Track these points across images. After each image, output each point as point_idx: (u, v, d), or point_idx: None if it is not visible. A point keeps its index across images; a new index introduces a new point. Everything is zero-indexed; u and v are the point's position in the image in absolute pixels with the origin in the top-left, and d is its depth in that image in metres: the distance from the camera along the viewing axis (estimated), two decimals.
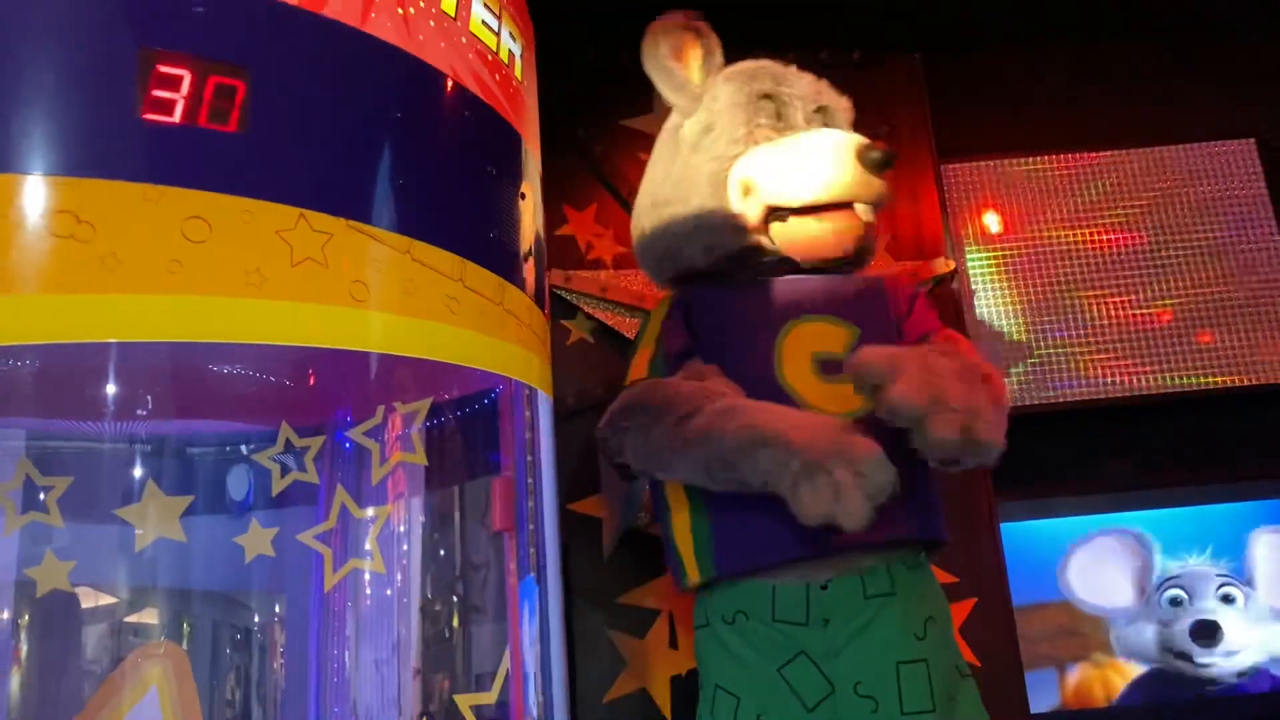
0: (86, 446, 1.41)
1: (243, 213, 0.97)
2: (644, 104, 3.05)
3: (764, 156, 2.00)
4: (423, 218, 1.12)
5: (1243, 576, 2.53)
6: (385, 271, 1.05)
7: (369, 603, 1.61)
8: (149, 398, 1.30)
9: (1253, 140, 3.20)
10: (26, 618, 1.41)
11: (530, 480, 1.43)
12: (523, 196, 1.31)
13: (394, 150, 1.12)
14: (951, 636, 2.00)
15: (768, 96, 2.07)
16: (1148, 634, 2.41)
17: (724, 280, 2.01)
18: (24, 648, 1.41)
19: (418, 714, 1.47)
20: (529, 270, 1.32)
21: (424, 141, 1.16)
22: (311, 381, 1.53)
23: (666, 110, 3.00)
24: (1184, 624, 2.39)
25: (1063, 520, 2.92)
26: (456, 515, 1.59)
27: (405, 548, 1.62)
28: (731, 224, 1.96)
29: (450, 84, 1.19)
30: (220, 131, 0.98)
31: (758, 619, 1.93)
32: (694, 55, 2.11)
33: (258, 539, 1.48)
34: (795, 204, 1.96)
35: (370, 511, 1.63)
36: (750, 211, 1.97)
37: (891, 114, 2.97)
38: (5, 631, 1.40)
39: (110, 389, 1.17)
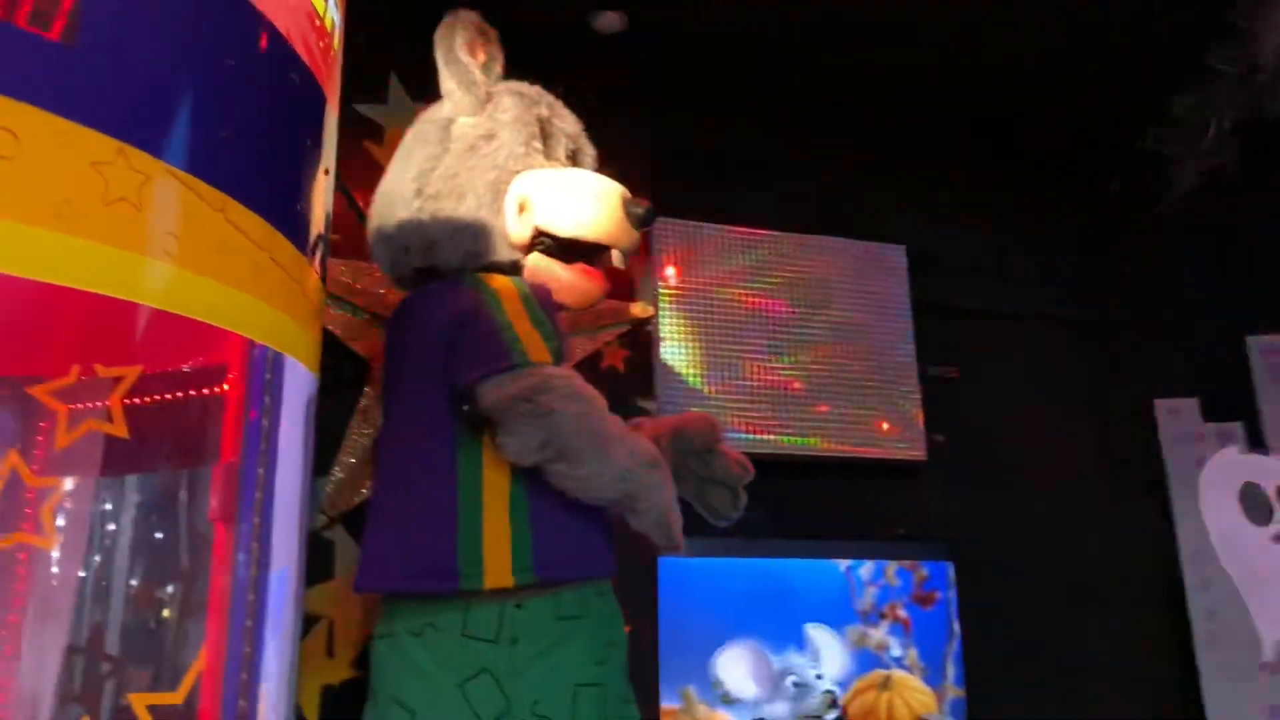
0: None
1: (58, 134, 0.86)
2: (380, 91, 2.98)
3: (544, 180, 2.06)
4: (241, 177, 1.04)
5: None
6: (198, 228, 0.96)
7: (34, 582, 1.42)
8: None
9: (904, 247, 3.70)
10: None
11: (261, 470, 1.35)
12: (326, 172, 1.25)
13: (223, 99, 1.03)
14: (624, 664, 2.12)
15: (544, 123, 2.14)
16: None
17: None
18: None
19: (83, 708, 1.32)
20: (319, 245, 1.26)
21: (253, 96, 1.08)
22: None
23: (409, 104, 2.96)
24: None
25: (707, 561, 3.19)
26: (159, 498, 1.45)
27: (90, 527, 1.45)
28: (502, 236, 2.00)
29: (285, 43, 1.12)
30: (42, 37, 0.86)
31: (447, 633, 1.94)
32: (481, 55, 2.13)
33: None
34: (562, 233, 2.04)
35: (50, 482, 1.44)
36: (520, 229, 2.02)
37: (614, 161, 3.11)
38: None
39: None
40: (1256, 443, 3.81)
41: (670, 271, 3.36)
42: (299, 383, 1.23)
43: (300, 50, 1.15)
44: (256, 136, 1.09)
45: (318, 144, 1.22)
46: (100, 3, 0.89)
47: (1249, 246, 4.03)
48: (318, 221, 1.23)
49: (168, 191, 0.93)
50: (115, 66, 0.91)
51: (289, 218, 1.13)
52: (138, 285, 0.92)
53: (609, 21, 3.13)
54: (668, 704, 2.94)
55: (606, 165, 2.97)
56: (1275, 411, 3.84)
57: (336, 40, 1.33)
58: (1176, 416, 3.86)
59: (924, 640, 3.29)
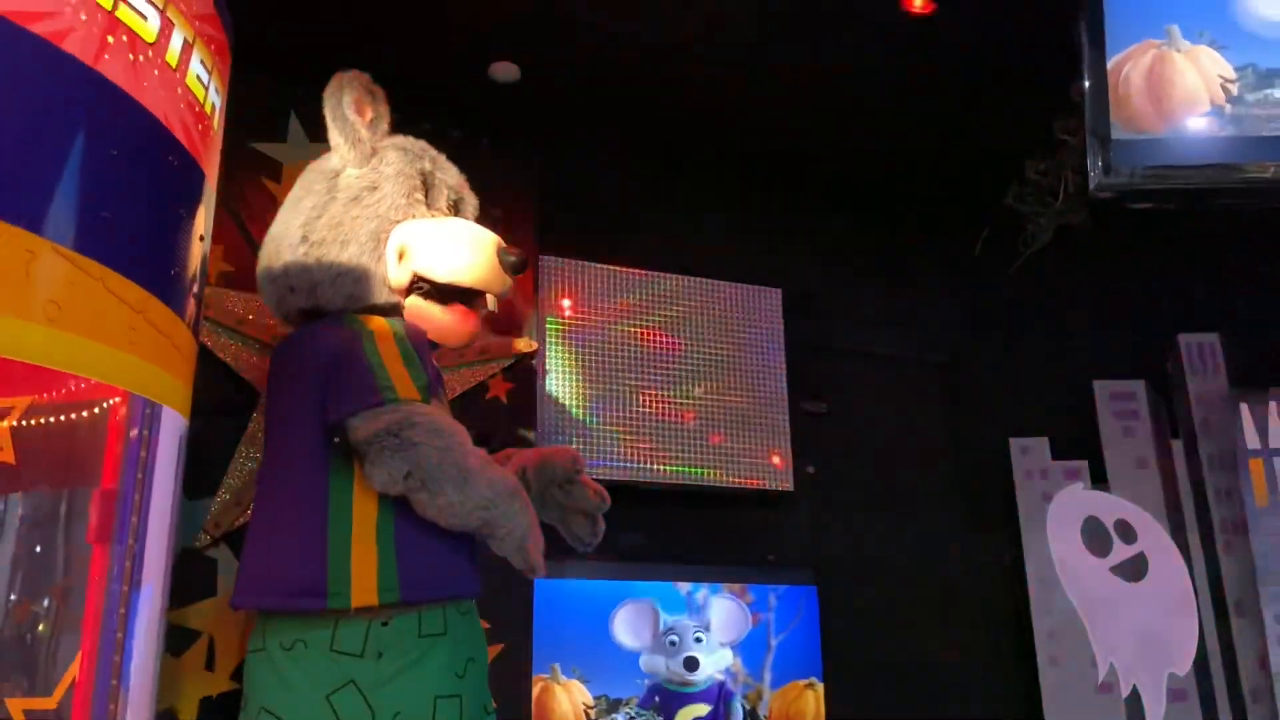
0: None
1: None
2: (279, 130, 3.13)
3: (422, 229, 2.24)
4: (120, 250, 1.21)
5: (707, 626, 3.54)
6: (79, 296, 1.14)
7: None
8: None
9: (780, 290, 3.98)
10: None
11: (137, 496, 1.51)
12: (202, 239, 1.42)
13: (106, 182, 1.21)
14: (485, 677, 2.30)
15: (426, 176, 2.32)
16: (658, 662, 3.49)
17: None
18: None
19: None
20: (191, 302, 1.43)
21: (134, 179, 1.25)
22: None
23: (307, 144, 3.12)
24: (678, 658, 3.49)
25: (583, 582, 3.40)
26: (44, 520, 1.59)
27: None
28: (382, 281, 2.17)
29: (165, 129, 1.30)
30: None
31: (316, 648, 2.09)
32: (369, 114, 2.29)
33: None
34: (438, 278, 2.23)
35: None
36: (399, 275, 2.19)
37: (505, 201, 3.32)
38: None
39: None
40: (1099, 479, 4.15)
41: (557, 307, 3.57)
42: (171, 426, 1.40)
43: (180, 134, 1.33)
44: (136, 213, 1.26)
45: (193, 215, 1.40)
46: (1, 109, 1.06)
47: (1096, 298, 4.39)
48: (191, 282, 1.40)
49: (52, 265, 1.10)
50: (10, 164, 1.08)
51: (164, 283, 1.30)
52: (21, 347, 1.09)
53: (504, 71, 3.34)
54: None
55: (498, 205, 3.18)
56: (1117, 451, 4.18)
57: (217, 121, 1.51)
58: (1027, 454, 4.18)
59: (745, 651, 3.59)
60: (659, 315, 3.76)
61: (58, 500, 1.52)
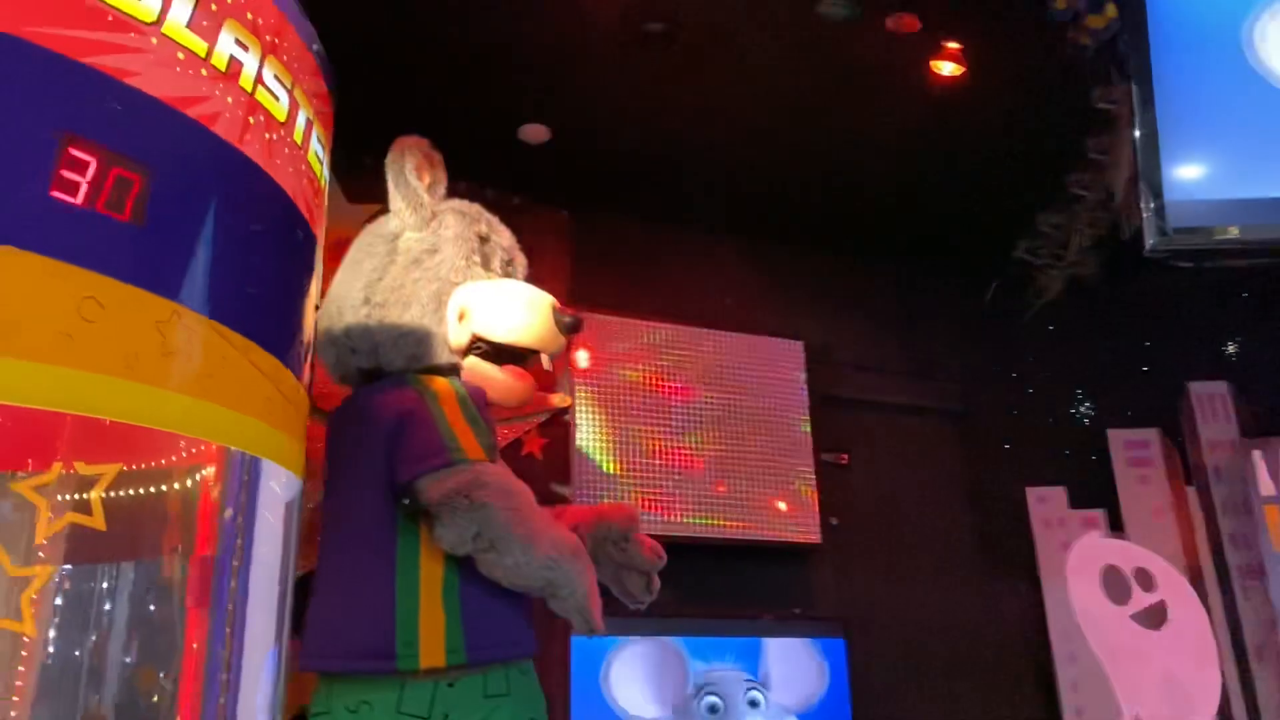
0: None
1: (129, 299, 1.07)
2: None
3: (482, 291, 2.29)
4: (261, 323, 1.26)
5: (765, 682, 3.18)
6: (229, 370, 1.18)
7: (20, 667, 1.55)
8: None
9: (801, 342, 4.05)
10: None
11: (236, 562, 1.53)
12: (317, 307, 1.46)
13: (250, 259, 1.26)
14: None
15: (483, 239, 2.37)
16: None
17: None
18: None
19: None
20: (307, 368, 1.47)
21: (272, 254, 1.30)
22: None
23: (344, 203, 3.17)
24: None
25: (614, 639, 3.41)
26: (142, 586, 1.61)
27: (72, 612, 1.60)
28: (443, 341, 2.22)
29: (294, 206, 1.35)
30: (115, 219, 1.07)
31: (383, 710, 2.10)
32: (427, 179, 2.35)
33: None
34: (497, 339, 2.27)
35: (31, 570, 1.58)
36: (459, 336, 2.24)
37: (538, 259, 3.37)
38: None
39: None
40: (1116, 527, 4.22)
41: (585, 361, 3.61)
42: (285, 485, 1.43)
43: (303, 208, 1.38)
44: (272, 286, 1.31)
45: (312, 284, 1.45)
46: (161, 188, 1.10)
47: (1110, 348, 4.49)
48: (308, 349, 1.44)
49: (208, 342, 1.15)
50: (169, 238, 1.13)
51: (291, 351, 1.35)
52: (175, 418, 1.13)
53: (535, 133, 3.43)
54: None
55: (531, 262, 3.23)
56: (1133, 499, 4.26)
57: (325, 191, 1.56)
58: (1045, 503, 4.25)
59: None
60: (687, 368, 3.82)
61: (159, 565, 1.54)
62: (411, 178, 2.36)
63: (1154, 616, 4.08)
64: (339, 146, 3.00)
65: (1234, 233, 2.61)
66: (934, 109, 3.46)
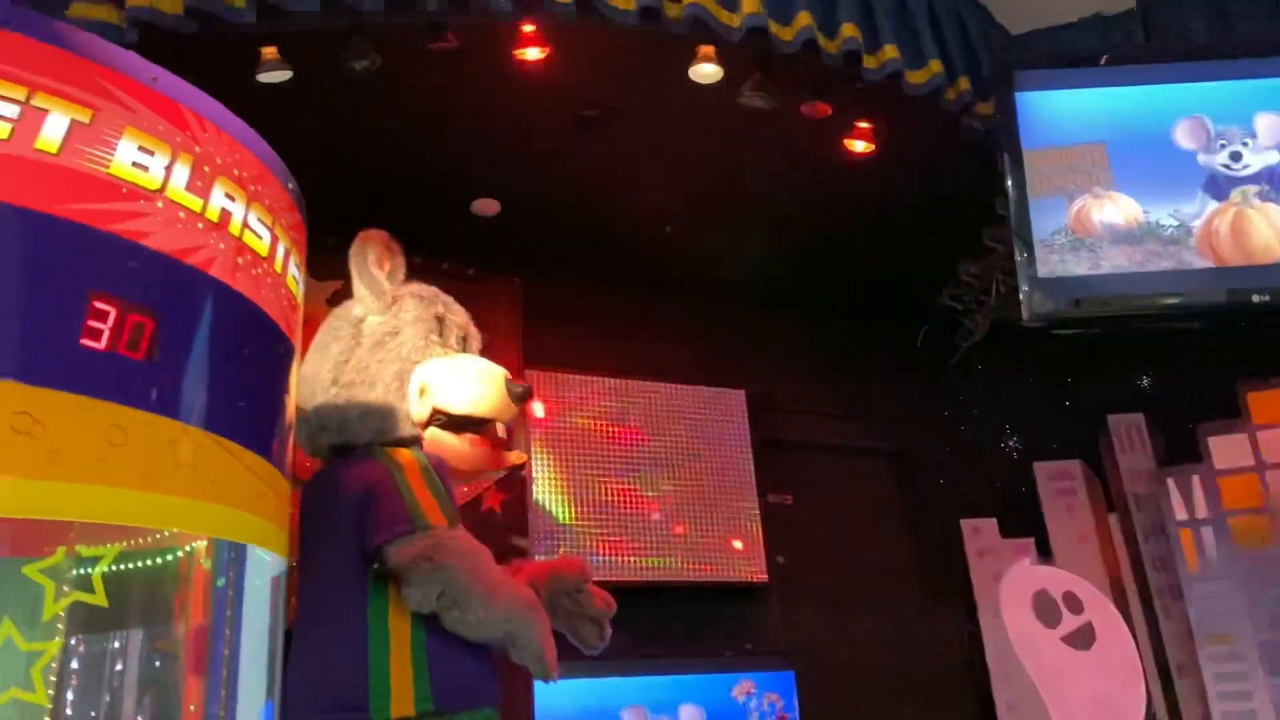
0: None
1: (146, 424, 1.30)
2: None
3: (440, 369, 2.53)
4: (252, 430, 1.50)
5: None
6: (229, 475, 1.42)
7: None
8: None
9: (743, 391, 4.33)
10: None
11: (228, 631, 1.75)
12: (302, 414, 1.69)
13: (242, 378, 1.49)
14: None
15: (440, 319, 2.62)
16: None
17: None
18: None
19: None
20: (289, 457, 1.72)
21: (259, 370, 1.54)
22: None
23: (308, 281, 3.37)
24: None
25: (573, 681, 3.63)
26: (144, 656, 1.81)
27: (79, 682, 1.80)
28: (406, 416, 2.46)
29: (276, 326, 1.59)
30: (132, 358, 1.30)
31: None
32: (388, 266, 2.58)
33: None
34: (455, 411, 2.52)
35: (39, 645, 1.78)
36: (420, 410, 2.48)
37: (493, 324, 3.62)
38: None
39: None
40: (1045, 554, 4.52)
41: (539, 415, 3.86)
42: (273, 566, 1.66)
43: (283, 326, 1.62)
44: (260, 397, 1.55)
45: (290, 387, 1.69)
46: (168, 327, 1.34)
47: (1033, 385, 4.82)
48: (287, 439, 1.68)
49: (210, 453, 1.38)
50: (175, 370, 1.37)
51: (275, 450, 1.58)
52: (186, 519, 1.37)
53: (485, 206, 3.70)
54: None
55: (485, 328, 3.48)
56: (1060, 527, 4.57)
57: (301, 305, 1.80)
58: (978, 534, 4.55)
59: None
60: (635, 419, 4.08)
61: (154, 635, 1.74)
62: (374, 268, 2.59)
63: (1082, 638, 4.36)
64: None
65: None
66: (851, 177, 3.77)
